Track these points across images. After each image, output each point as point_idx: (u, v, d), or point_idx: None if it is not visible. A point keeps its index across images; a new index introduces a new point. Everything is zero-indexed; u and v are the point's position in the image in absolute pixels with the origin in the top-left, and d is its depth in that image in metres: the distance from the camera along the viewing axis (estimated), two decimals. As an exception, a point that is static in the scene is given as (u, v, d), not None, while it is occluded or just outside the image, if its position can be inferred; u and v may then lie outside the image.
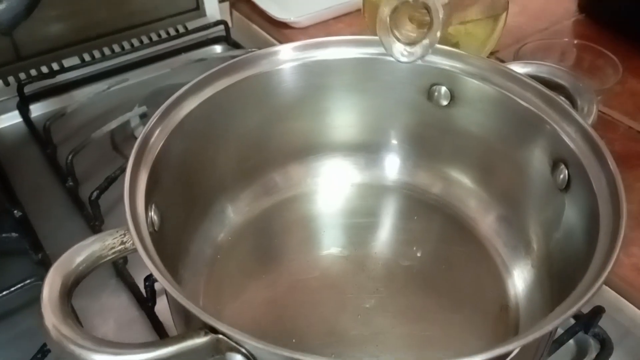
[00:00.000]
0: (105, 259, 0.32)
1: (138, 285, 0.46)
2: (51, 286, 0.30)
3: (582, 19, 0.79)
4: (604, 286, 0.46)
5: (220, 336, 0.28)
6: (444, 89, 0.46)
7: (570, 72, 0.45)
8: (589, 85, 0.43)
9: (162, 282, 0.29)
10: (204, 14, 0.79)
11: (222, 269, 0.45)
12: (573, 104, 0.41)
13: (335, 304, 0.43)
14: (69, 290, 0.30)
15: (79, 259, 0.31)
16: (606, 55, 0.60)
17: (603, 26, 0.75)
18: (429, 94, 0.47)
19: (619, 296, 0.46)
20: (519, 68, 0.44)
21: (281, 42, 0.73)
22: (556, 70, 0.44)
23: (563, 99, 0.40)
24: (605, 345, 0.43)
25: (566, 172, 0.39)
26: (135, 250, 0.32)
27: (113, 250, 0.32)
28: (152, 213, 0.36)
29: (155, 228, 0.36)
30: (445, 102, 0.46)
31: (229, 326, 0.27)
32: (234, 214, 0.48)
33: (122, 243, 0.33)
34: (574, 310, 0.29)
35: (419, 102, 0.47)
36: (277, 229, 0.48)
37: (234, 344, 0.28)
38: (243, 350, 0.28)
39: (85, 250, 0.32)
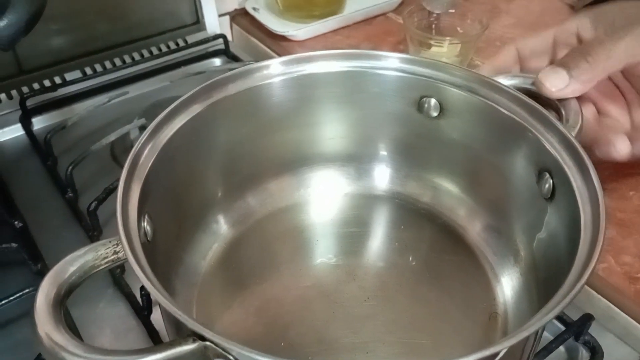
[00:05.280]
0: (98, 269, 0.33)
1: (134, 294, 0.47)
2: (45, 295, 0.30)
3: (577, 30, 0.79)
4: (595, 294, 0.47)
5: (208, 343, 0.28)
6: (433, 100, 0.46)
7: None
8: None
9: (151, 290, 0.30)
10: (203, 28, 0.80)
11: (215, 278, 0.45)
12: (558, 114, 0.42)
13: (326, 312, 0.43)
14: (62, 299, 0.31)
15: (72, 269, 0.32)
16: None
17: (598, 37, 0.76)
18: (419, 106, 0.47)
19: (610, 304, 0.46)
20: (506, 80, 0.44)
21: (280, 55, 0.74)
22: None
23: (546, 110, 0.41)
24: (596, 353, 0.43)
25: (551, 181, 0.39)
26: (127, 259, 0.32)
27: (106, 260, 0.33)
28: (145, 224, 0.37)
29: (149, 238, 0.37)
30: (435, 114, 0.47)
31: (215, 333, 0.28)
32: (227, 225, 0.48)
33: (115, 253, 0.33)
34: (553, 313, 0.29)
35: (409, 114, 0.48)
36: (270, 240, 0.49)
37: (221, 351, 0.28)
38: (230, 357, 0.28)
39: (78, 260, 0.32)
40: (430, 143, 0.49)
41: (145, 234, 0.36)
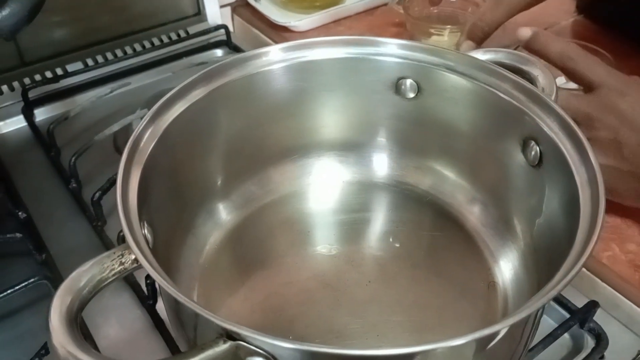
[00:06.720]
0: (107, 282, 0.32)
1: (139, 284, 0.47)
2: (59, 313, 0.29)
3: (580, 20, 0.79)
4: (600, 282, 0.47)
5: (241, 342, 0.28)
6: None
7: (527, 55, 0.45)
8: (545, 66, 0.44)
9: (175, 294, 0.29)
10: (205, 19, 0.80)
11: (214, 273, 0.45)
12: (534, 84, 0.42)
13: (330, 301, 0.43)
14: (75, 315, 0.30)
15: (80, 285, 0.31)
16: (601, 53, 0.60)
17: (601, 27, 0.76)
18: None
19: (615, 292, 0.46)
20: (480, 55, 0.45)
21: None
22: (513, 55, 0.45)
23: (535, 88, 0.41)
24: (601, 340, 0.43)
25: (538, 149, 0.40)
26: (134, 268, 0.32)
27: (113, 272, 0.32)
28: (145, 231, 0.36)
29: (150, 245, 0.35)
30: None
31: (252, 329, 0.27)
32: (226, 212, 0.48)
33: (121, 264, 0.32)
34: (554, 292, 0.29)
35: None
36: (269, 229, 0.49)
37: (254, 348, 0.28)
38: (263, 352, 0.28)
39: (85, 275, 0.31)
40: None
41: (147, 241, 0.35)
